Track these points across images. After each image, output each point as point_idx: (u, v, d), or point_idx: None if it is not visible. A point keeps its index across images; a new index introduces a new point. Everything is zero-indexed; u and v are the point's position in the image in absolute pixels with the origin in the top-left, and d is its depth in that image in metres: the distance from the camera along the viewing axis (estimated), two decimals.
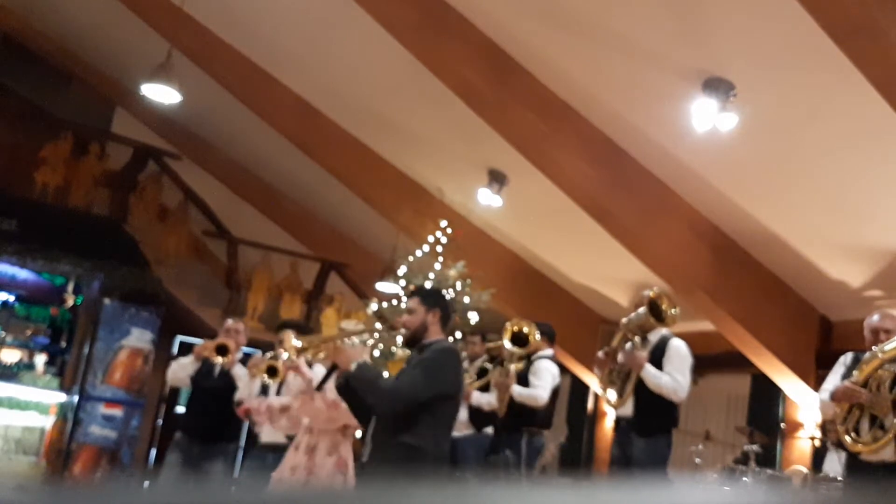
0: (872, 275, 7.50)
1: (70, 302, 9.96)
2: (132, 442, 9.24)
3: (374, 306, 8.24)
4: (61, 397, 9.12)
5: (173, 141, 11.13)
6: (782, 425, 8.39)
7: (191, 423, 5.80)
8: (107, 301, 9.21)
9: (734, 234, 7.82)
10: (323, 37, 7.84)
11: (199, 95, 8.69)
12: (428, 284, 7.62)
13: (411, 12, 6.73)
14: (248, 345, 6.17)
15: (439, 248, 8.22)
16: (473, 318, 7.76)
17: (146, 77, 6.84)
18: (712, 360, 7.91)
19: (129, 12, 8.39)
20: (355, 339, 3.81)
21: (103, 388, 9.04)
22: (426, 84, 7.19)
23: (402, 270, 8.13)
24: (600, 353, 5.11)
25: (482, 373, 6.33)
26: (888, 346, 4.07)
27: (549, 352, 6.19)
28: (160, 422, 10.39)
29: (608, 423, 9.85)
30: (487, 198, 8.57)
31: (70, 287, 9.88)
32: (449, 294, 7.61)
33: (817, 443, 7.87)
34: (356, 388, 3.67)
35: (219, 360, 5.62)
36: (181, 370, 5.86)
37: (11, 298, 9.99)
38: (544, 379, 5.94)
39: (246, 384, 5.51)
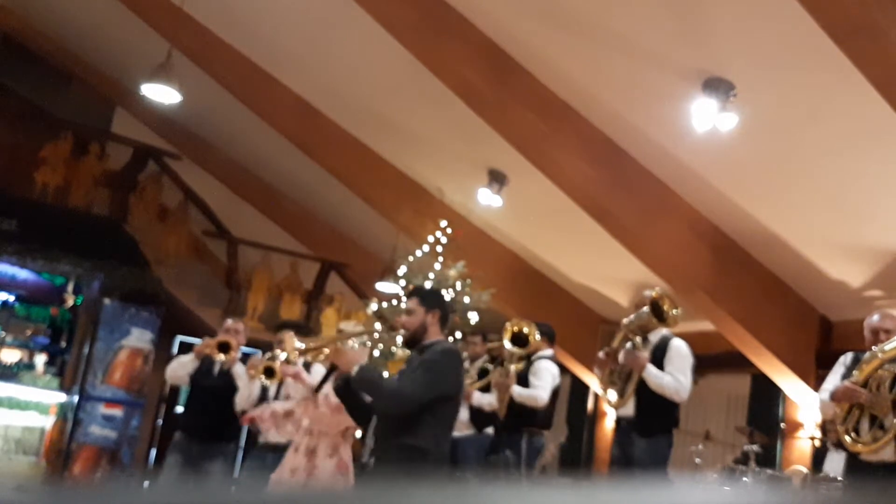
0: (872, 275, 7.50)
1: (70, 302, 9.96)
2: (132, 442, 9.25)
3: (374, 306, 8.25)
4: (61, 397, 9.12)
5: (173, 141, 11.14)
6: (782, 425, 8.39)
7: (190, 423, 5.80)
8: (107, 301, 9.21)
9: (734, 234, 7.82)
10: (323, 37, 7.84)
11: (199, 95, 8.69)
12: (428, 284, 7.62)
13: (411, 12, 6.73)
14: (248, 345, 6.17)
15: (439, 248, 8.22)
16: (473, 318, 7.76)
17: (146, 77, 6.83)
18: (712, 360, 7.90)
19: (129, 12, 8.39)
20: (355, 342, 3.81)
21: (103, 388, 9.04)
22: (426, 84, 7.19)
23: (402, 270, 8.13)
24: (601, 354, 5.10)
25: (483, 373, 6.33)
26: (888, 346, 4.07)
27: (548, 352, 6.19)
28: (160, 422, 10.38)
29: (608, 423, 9.85)
30: (487, 198, 8.57)
31: (70, 287, 9.88)
32: (449, 294, 7.62)
33: (817, 443, 7.87)
34: (360, 390, 3.67)
35: (221, 357, 5.63)
36: (181, 368, 5.86)
37: (11, 298, 9.98)
38: (544, 379, 5.94)
39: (246, 384, 5.52)
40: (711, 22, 5.79)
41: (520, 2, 6.45)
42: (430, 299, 3.80)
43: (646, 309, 4.89)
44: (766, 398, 8.65)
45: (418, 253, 8.22)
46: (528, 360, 6.05)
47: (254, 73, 8.80)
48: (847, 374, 4.22)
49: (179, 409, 9.93)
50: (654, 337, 4.94)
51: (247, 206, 11.78)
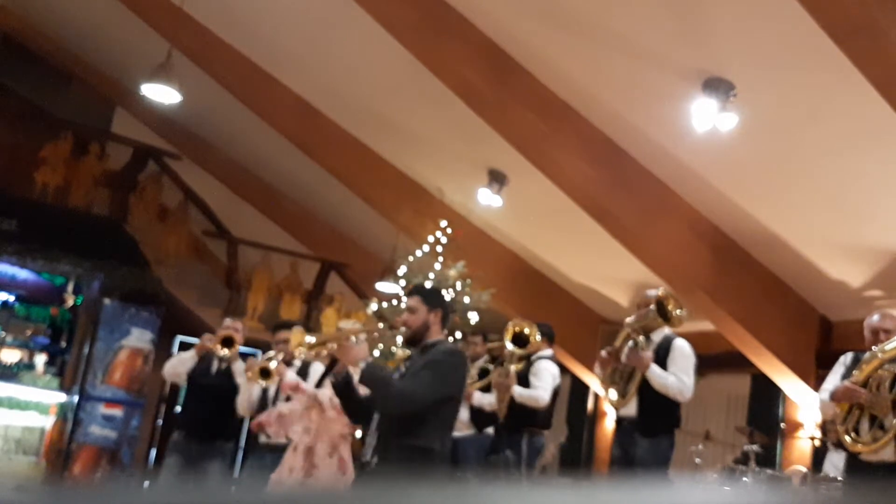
0: (872, 275, 7.50)
1: (70, 302, 9.96)
2: (132, 442, 9.24)
3: (374, 306, 8.25)
4: (61, 397, 9.12)
5: (173, 141, 11.13)
6: (782, 425, 8.39)
7: (188, 422, 5.79)
8: (107, 301, 9.21)
9: (734, 234, 7.82)
10: (323, 37, 7.84)
11: (199, 95, 8.69)
12: (428, 284, 7.62)
13: (411, 12, 6.73)
14: (247, 345, 6.17)
15: (439, 248, 8.22)
16: (473, 318, 7.76)
17: (146, 77, 6.84)
18: (712, 360, 7.89)
19: (129, 12, 8.39)
20: (362, 337, 3.77)
21: (103, 388, 9.04)
22: (426, 84, 7.19)
23: (402, 270, 8.13)
24: (603, 353, 5.07)
25: (484, 373, 6.33)
26: (888, 346, 4.07)
27: (548, 352, 6.19)
28: (160, 422, 10.38)
29: (608, 423, 9.85)
30: (487, 198, 8.57)
31: (70, 287, 9.88)
32: (449, 294, 7.62)
33: (817, 443, 7.87)
34: (366, 387, 3.62)
35: (224, 351, 5.63)
36: (180, 364, 5.85)
37: (11, 298, 9.98)
38: (545, 379, 5.94)
39: (245, 383, 5.51)
40: (711, 22, 5.79)
41: (520, 2, 6.45)
42: (432, 298, 3.78)
43: (652, 308, 4.88)
44: (766, 398, 8.65)
45: (418, 253, 8.22)
46: (528, 360, 6.06)
47: (254, 73, 8.80)
48: (847, 374, 4.22)
49: (180, 408, 9.94)
50: (657, 336, 4.93)
51: (247, 206, 11.77)
